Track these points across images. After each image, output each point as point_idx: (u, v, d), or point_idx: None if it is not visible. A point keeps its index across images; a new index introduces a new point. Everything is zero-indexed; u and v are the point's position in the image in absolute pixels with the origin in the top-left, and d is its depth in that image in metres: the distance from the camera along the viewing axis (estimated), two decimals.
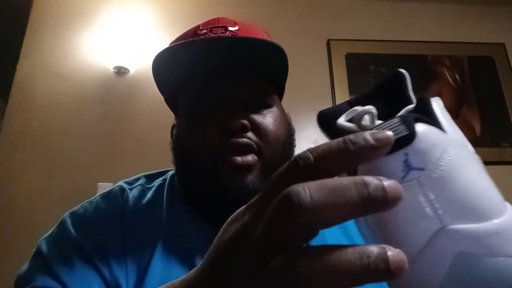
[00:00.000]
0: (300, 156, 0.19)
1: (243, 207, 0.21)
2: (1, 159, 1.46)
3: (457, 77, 1.79)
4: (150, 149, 1.53)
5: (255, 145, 0.44)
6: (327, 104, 1.70)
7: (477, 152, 0.26)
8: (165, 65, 0.48)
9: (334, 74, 1.73)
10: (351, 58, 1.77)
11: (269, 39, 0.53)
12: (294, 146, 0.51)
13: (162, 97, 0.62)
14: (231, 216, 0.21)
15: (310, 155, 0.18)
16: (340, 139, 0.19)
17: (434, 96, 0.29)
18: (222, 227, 0.21)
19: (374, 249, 0.16)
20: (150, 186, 0.55)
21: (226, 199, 0.42)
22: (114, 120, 1.57)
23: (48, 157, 1.48)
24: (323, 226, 0.17)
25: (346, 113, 0.28)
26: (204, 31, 0.49)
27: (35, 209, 1.40)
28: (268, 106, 0.49)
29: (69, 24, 1.68)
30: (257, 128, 0.46)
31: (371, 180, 0.17)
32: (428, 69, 1.80)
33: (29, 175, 1.45)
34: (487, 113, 1.73)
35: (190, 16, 1.78)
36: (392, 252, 0.16)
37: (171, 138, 0.57)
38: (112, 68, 1.62)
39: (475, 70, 1.81)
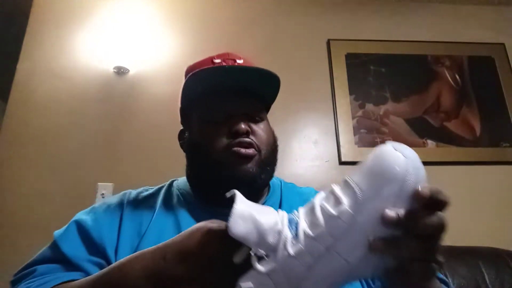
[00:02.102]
0: None
1: None
2: (1, 159, 1.46)
3: (457, 77, 1.79)
4: (150, 149, 1.53)
5: (255, 144, 0.61)
6: (327, 104, 1.70)
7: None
8: (193, 82, 0.62)
9: (334, 74, 1.73)
10: (351, 58, 1.77)
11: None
12: (277, 148, 0.68)
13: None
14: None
15: None
16: None
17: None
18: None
19: None
20: (150, 188, 0.71)
21: (232, 179, 0.58)
22: (114, 120, 1.57)
23: (48, 157, 1.48)
24: None
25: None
26: (219, 61, 0.66)
27: (35, 209, 1.40)
28: (261, 119, 0.66)
29: (69, 24, 1.68)
30: (255, 134, 0.62)
31: None
32: (428, 69, 1.80)
33: (29, 175, 1.45)
34: (487, 113, 1.73)
35: (190, 16, 1.78)
36: None
37: (180, 140, 0.71)
38: (112, 68, 1.62)
39: (475, 70, 1.81)
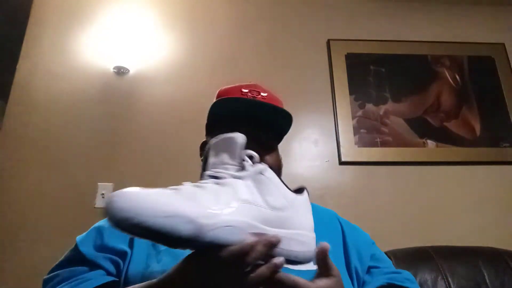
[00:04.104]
0: None
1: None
2: (1, 159, 1.46)
3: (457, 77, 1.79)
4: (150, 149, 1.53)
5: None
6: (327, 104, 1.70)
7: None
8: (219, 106, 0.70)
9: (334, 74, 1.73)
10: (351, 58, 1.77)
11: (281, 106, 0.77)
12: (281, 173, 0.74)
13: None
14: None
15: None
16: None
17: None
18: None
19: None
20: None
21: None
22: (114, 120, 1.57)
23: (48, 157, 1.48)
24: None
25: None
26: (246, 91, 0.74)
27: (35, 209, 1.40)
28: (272, 149, 0.73)
29: (69, 24, 1.68)
30: (264, 161, 0.66)
31: None
32: (428, 69, 1.80)
33: (29, 175, 1.45)
34: (487, 113, 1.73)
35: (190, 16, 1.78)
36: None
37: (201, 151, 0.78)
38: (112, 68, 1.62)
39: (475, 70, 1.81)
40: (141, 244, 0.61)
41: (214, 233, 0.36)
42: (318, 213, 0.75)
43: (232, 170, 0.45)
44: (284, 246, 0.41)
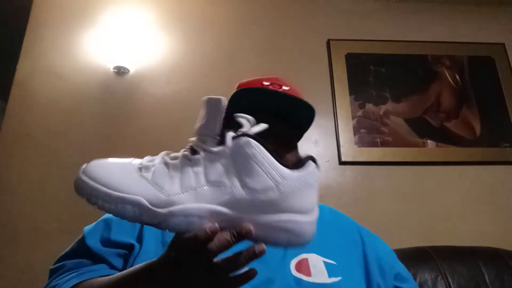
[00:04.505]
0: None
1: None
2: (1, 159, 1.46)
3: (457, 77, 1.79)
4: (150, 149, 1.53)
5: None
6: (327, 104, 1.70)
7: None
8: (239, 97, 0.64)
9: (334, 74, 1.73)
10: (351, 58, 1.77)
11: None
12: None
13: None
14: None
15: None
16: None
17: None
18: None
19: None
20: None
21: None
22: (114, 120, 1.57)
23: (48, 157, 1.48)
24: None
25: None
26: (267, 83, 0.71)
27: (34, 209, 1.40)
28: (295, 147, 0.67)
29: (69, 24, 1.68)
30: (286, 160, 0.64)
31: None
32: (428, 69, 1.80)
33: (29, 175, 1.45)
34: (487, 113, 1.72)
35: (189, 16, 1.78)
36: None
37: None
38: (112, 68, 1.62)
39: (475, 70, 1.81)
40: (150, 240, 0.61)
41: (171, 221, 0.36)
42: (336, 220, 0.73)
43: (210, 142, 0.40)
44: (263, 235, 0.37)
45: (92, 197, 0.36)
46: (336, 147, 1.63)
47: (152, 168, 0.39)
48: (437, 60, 1.81)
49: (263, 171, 0.38)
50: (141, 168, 0.39)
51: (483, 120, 1.71)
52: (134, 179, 0.37)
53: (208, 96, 0.41)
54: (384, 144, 1.63)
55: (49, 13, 1.69)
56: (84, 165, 0.40)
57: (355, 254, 0.67)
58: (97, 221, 0.67)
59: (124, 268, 0.59)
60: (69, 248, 0.65)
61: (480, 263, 1.17)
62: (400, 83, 1.75)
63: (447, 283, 1.11)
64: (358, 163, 1.60)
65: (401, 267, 0.72)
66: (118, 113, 1.58)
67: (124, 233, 0.62)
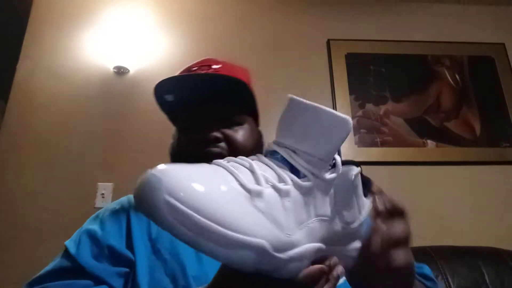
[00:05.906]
0: None
1: None
2: (1, 159, 1.46)
3: (457, 77, 1.79)
4: (150, 149, 1.53)
5: (226, 152, 0.59)
6: (327, 104, 1.69)
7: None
8: (167, 90, 0.63)
9: (334, 74, 1.73)
10: (351, 58, 1.77)
11: (245, 76, 0.69)
12: (261, 149, 0.66)
13: None
14: None
15: None
16: None
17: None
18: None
19: None
20: None
21: None
22: (114, 120, 1.57)
23: (48, 157, 1.48)
24: None
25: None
26: (195, 68, 0.67)
27: (35, 209, 1.40)
28: (239, 124, 0.64)
29: (69, 24, 1.68)
30: (228, 139, 0.61)
31: None
32: (428, 69, 1.80)
33: (29, 175, 1.45)
34: (487, 113, 1.72)
35: (189, 16, 1.78)
36: None
37: (171, 144, 0.73)
38: (112, 68, 1.62)
39: (475, 70, 1.81)
40: (141, 250, 0.54)
41: (287, 268, 0.27)
42: None
43: (321, 167, 0.31)
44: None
45: (198, 236, 0.23)
46: None
47: (265, 195, 0.27)
48: (437, 60, 1.81)
49: (357, 203, 0.34)
50: (252, 195, 0.27)
51: (483, 120, 1.71)
52: (250, 212, 0.26)
53: (331, 111, 0.31)
54: (384, 144, 1.63)
55: (49, 13, 1.69)
56: (162, 181, 0.24)
57: None
58: (76, 234, 0.57)
59: (125, 286, 0.51)
60: (52, 265, 0.53)
61: (480, 263, 1.17)
62: (400, 83, 1.75)
63: (447, 283, 1.11)
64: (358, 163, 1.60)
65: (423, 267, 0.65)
66: (118, 113, 1.58)
67: (116, 242, 0.54)
